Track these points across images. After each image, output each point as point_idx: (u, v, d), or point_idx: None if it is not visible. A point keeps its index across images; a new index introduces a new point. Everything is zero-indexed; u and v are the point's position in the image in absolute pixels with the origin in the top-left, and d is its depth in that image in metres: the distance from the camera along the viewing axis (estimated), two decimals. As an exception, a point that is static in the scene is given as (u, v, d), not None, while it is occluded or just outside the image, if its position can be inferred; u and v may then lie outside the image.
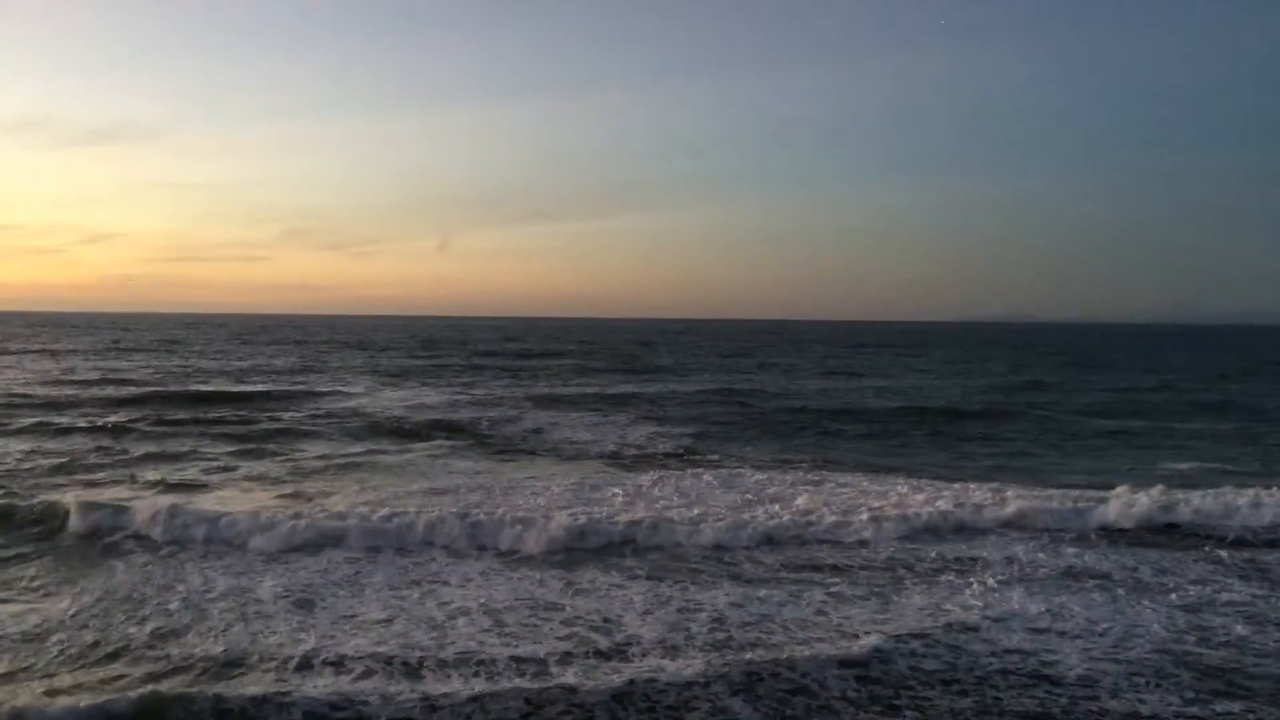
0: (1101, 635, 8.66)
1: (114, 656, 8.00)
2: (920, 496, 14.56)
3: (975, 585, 10.27)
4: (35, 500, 13.47)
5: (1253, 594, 10.06)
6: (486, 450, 20.13)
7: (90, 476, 16.35)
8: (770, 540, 12.10)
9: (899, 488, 15.38)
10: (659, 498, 14.61)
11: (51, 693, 7.23)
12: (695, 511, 13.29)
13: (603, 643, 8.38)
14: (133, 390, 31.63)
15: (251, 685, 7.36)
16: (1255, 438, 24.08)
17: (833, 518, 12.84)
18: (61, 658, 7.97)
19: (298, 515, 12.38)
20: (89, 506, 12.46)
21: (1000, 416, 28.44)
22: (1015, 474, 17.73)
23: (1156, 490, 14.19)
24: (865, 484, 15.81)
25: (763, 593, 9.96)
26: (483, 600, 9.57)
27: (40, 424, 22.41)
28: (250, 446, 19.71)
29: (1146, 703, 7.24)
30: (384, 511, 12.48)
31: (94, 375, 38.05)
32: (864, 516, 12.85)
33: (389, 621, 8.88)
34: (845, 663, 7.88)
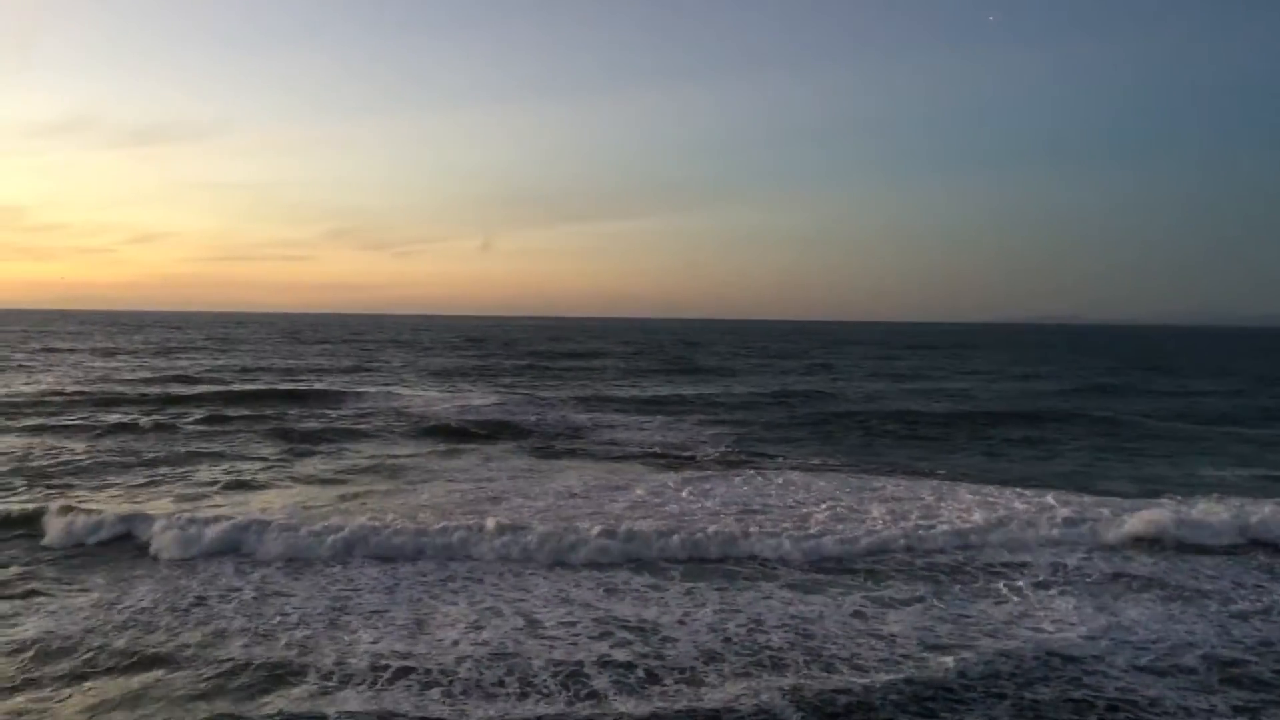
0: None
1: (152, 664, 7.87)
2: (1020, 505, 14.11)
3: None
4: (65, 504, 13.45)
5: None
6: (543, 453, 19.89)
7: (122, 479, 16.35)
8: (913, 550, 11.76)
9: (1014, 503, 14.64)
10: (730, 503, 14.28)
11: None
12: (784, 524, 12.92)
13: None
14: (187, 388, 31.95)
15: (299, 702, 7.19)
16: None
17: (945, 525, 12.61)
18: (87, 666, 7.86)
19: (325, 526, 12.20)
20: (87, 514, 12.40)
21: (1067, 419, 27.44)
22: (1090, 479, 17.12)
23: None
24: (968, 496, 15.32)
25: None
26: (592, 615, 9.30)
27: (88, 423, 22.63)
28: (300, 446, 19.75)
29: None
30: (441, 525, 12.24)
31: (146, 373, 38.55)
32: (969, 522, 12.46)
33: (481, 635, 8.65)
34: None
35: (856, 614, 9.30)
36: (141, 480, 15.80)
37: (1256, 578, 10.83)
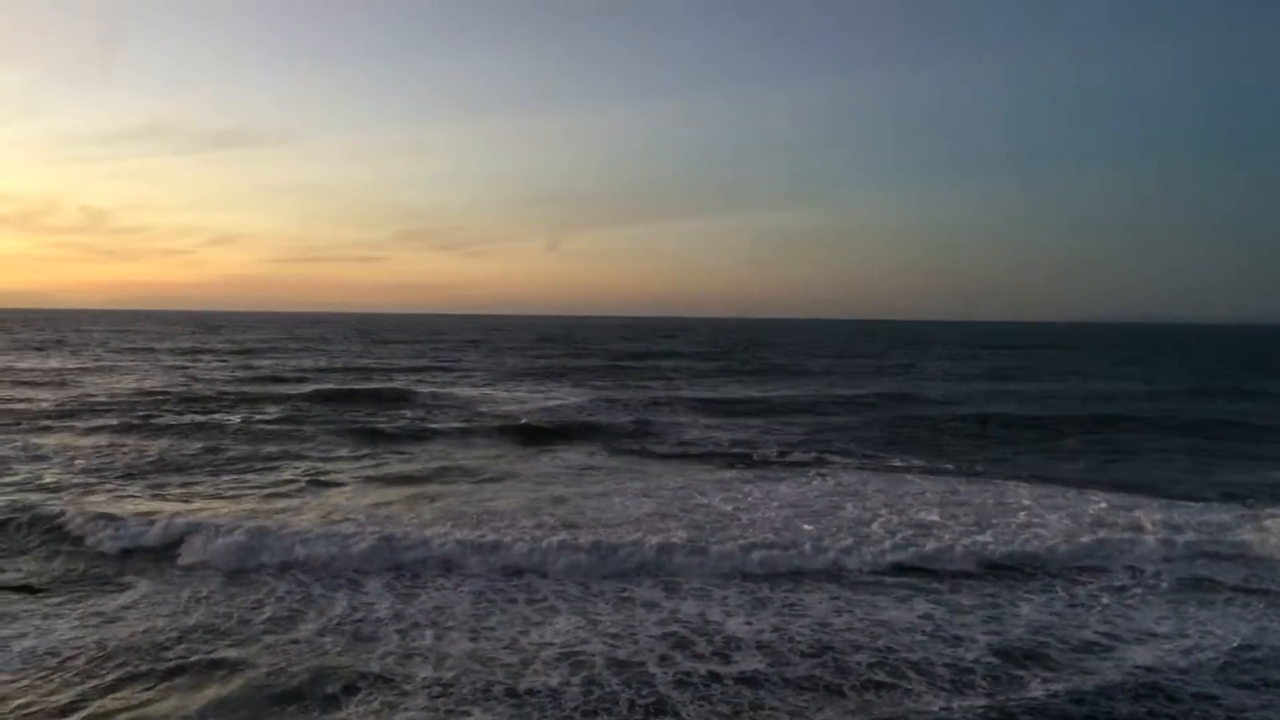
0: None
1: (235, 668, 7.56)
2: (1125, 512, 13.23)
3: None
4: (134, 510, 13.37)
5: None
6: (630, 454, 19.51)
7: (199, 480, 16.31)
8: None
9: (1108, 508, 13.97)
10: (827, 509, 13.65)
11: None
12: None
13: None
14: (266, 388, 32.32)
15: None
16: None
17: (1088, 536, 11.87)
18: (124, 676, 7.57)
19: (386, 536, 11.86)
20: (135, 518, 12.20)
21: (1209, 425, 25.64)
22: (1199, 487, 16.06)
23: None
24: (1062, 500, 14.49)
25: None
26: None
27: (172, 423, 22.87)
28: (380, 446, 19.68)
29: None
30: (492, 538, 11.81)
31: (226, 373, 39.19)
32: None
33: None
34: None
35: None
36: (226, 479, 15.78)
37: None
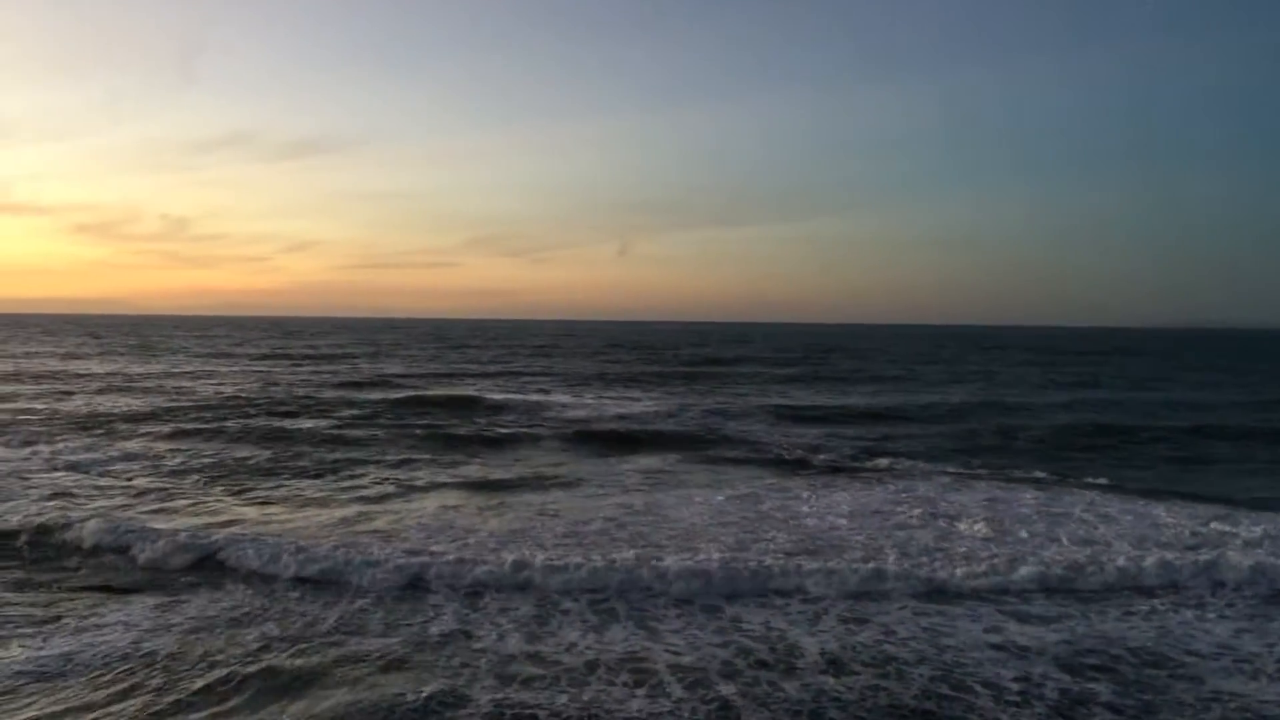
0: None
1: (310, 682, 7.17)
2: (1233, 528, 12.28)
3: None
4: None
5: None
6: (711, 460, 18.93)
7: (279, 486, 16.14)
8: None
9: (1217, 525, 13.06)
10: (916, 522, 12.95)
11: None
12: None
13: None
14: (343, 393, 32.52)
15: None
16: None
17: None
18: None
19: (466, 561, 11.42)
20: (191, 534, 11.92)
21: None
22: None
23: None
24: (1158, 511, 13.56)
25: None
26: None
27: (250, 426, 22.95)
28: (461, 453, 19.59)
29: None
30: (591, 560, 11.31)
31: (302, 378, 39.60)
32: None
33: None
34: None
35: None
36: (307, 486, 15.60)
37: None
